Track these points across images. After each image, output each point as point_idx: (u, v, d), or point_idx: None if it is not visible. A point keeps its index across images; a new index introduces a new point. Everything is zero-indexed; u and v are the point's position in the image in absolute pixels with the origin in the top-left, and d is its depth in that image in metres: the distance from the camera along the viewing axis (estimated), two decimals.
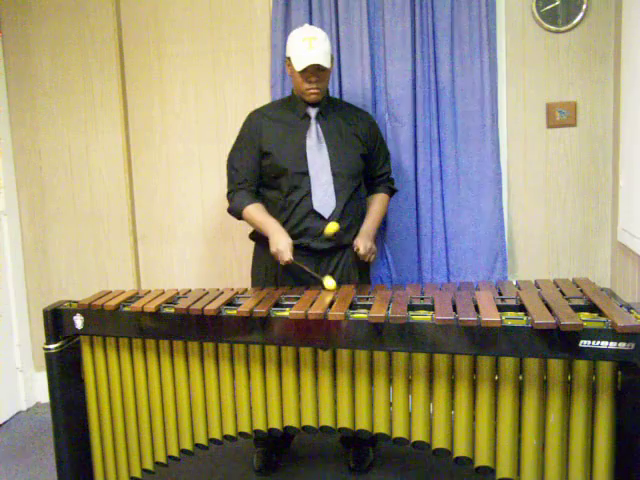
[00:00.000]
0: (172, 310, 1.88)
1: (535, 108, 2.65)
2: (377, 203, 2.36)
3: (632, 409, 1.50)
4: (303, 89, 2.18)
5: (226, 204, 2.31)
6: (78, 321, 1.98)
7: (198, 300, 1.91)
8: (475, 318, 1.55)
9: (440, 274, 2.67)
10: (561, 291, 1.80)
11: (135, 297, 2.03)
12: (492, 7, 2.54)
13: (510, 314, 1.60)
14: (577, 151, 2.64)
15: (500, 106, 2.64)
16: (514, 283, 1.97)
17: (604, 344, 1.46)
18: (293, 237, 2.14)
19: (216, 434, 1.93)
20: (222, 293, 2.00)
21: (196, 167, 2.94)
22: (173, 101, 2.92)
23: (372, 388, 1.74)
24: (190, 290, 2.10)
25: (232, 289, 2.07)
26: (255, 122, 2.27)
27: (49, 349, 1.99)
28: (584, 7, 2.54)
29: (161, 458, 2.01)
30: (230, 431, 1.91)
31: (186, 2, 2.85)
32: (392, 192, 2.45)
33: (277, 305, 1.86)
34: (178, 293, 2.06)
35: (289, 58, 2.19)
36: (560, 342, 1.49)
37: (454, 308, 1.65)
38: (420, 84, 2.60)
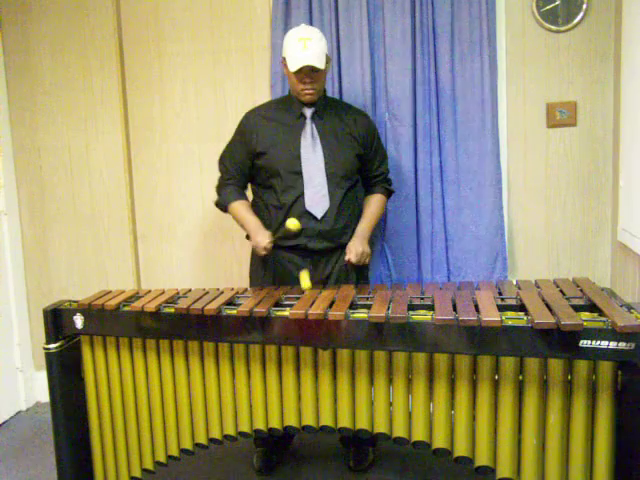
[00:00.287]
0: (172, 310, 1.88)
1: (535, 108, 2.65)
2: (373, 204, 2.36)
3: (632, 409, 1.50)
4: (298, 90, 2.18)
5: None
6: (78, 321, 1.98)
7: (198, 300, 1.91)
8: (475, 318, 1.55)
9: (440, 274, 2.67)
10: (561, 291, 1.80)
11: (135, 297, 2.03)
12: (492, 6, 2.54)
13: (510, 314, 1.60)
14: (577, 151, 2.64)
15: (500, 106, 2.64)
16: (514, 283, 1.97)
17: (604, 344, 1.46)
18: (289, 238, 2.14)
19: (216, 434, 1.93)
20: (222, 293, 2.00)
21: (196, 166, 2.94)
22: (173, 100, 2.92)
23: (372, 388, 1.74)
24: (190, 290, 2.10)
25: (232, 289, 2.07)
26: (250, 122, 2.27)
27: (49, 349, 1.99)
28: (584, 7, 2.54)
29: (161, 458, 2.01)
30: (230, 431, 1.91)
31: (186, 1, 2.85)
32: (389, 193, 2.44)
33: (277, 305, 1.86)
34: (178, 293, 2.06)
35: (284, 58, 2.19)
36: (560, 342, 1.49)
37: (454, 308, 1.65)
38: (420, 83, 2.60)
